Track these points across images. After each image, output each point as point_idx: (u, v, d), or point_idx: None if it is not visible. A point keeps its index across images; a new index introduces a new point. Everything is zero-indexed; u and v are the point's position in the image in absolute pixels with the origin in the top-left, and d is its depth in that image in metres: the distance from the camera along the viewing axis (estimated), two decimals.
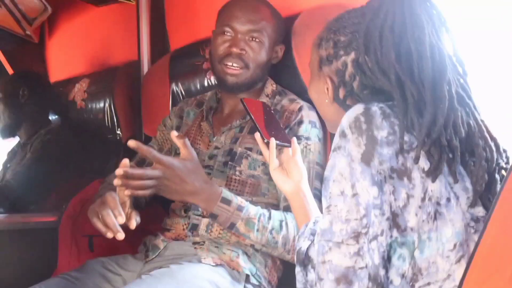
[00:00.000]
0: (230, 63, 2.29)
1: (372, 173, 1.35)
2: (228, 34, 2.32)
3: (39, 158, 3.36)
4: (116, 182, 1.85)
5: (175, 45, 3.28)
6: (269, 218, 2.02)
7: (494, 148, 1.46)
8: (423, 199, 1.36)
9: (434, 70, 1.42)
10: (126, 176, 1.83)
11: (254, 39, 2.30)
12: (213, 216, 1.99)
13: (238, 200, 2.00)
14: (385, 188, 1.36)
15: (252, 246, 2.06)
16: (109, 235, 1.89)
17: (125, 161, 1.86)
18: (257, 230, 1.99)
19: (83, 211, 2.76)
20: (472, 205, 1.40)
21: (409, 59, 1.44)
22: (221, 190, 1.99)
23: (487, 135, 1.46)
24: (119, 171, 1.83)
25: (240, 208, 1.99)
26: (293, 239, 2.01)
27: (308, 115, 2.25)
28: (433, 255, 1.36)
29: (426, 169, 1.37)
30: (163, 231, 2.31)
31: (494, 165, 1.45)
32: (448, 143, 1.39)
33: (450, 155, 1.40)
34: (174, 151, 2.48)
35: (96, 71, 3.72)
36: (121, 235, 1.89)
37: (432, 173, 1.36)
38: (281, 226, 2.02)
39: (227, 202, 1.98)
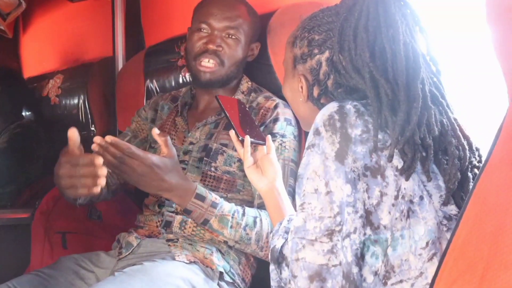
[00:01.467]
0: (206, 60, 2.29)
1: (346, 171, 1.36)
2: (205, 31, 2.32)
3: (4, 151, 3.33)
4: (95, 147, 1.84)
5: (150, 42, 3.28)
6: (243, 214, 2.02)
7: (466, 147, 1.47)
8: (396, 197, 1.37)
9: (408, 69, 1.43)
10: (106, 147, 1.83)
11: (230, 36, 2.31)
12: (187, 212, 1.98)
13: (212, 196, 2.00)
14: (358, 186, 1.36)
15: (225, 243, 2.07)
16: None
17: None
18: (231, 227, 1.99)
19: (56, 208, 2.74)
20: (445, 203, 1.41)
21: (383, 58, 1.44)
22: (195, 186, 1.99)
23: (460, 134, 1.47)
24: (107, 138, 1.83)
25: (214, 205, 1.99)
26: (267, 236, 2.02)
27: (283, 112, 2.25)
28: (406, 252, 1.37)
29: (399, 167, 1.37)
30: (137, 228, 2.30)
31: (466, 163, 1.46)
32: (422, 142, 1.40)
33: (424, 154, 1.40)
34: (149, 144, 2.47)
35: (70, 67, 3.71)
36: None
37: (406, 171, 1.37)
38: (255, 222, 2.02)
39: (201, 198, 1.98)
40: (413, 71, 1.43)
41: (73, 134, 1.81)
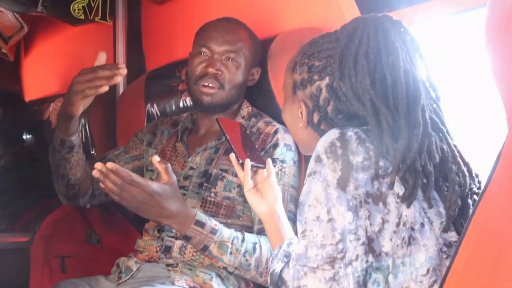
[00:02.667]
0: (206, 83, 2.29)
1: (348, 198, 1.36)
2: (205, 54, 2.33)
3: (5, 174, 3.32)
4: (95, 172, 1.85)
5: (151, 66, 3.28)
6: (243, 240, 2.02)
7: (467, 173, 1.47)
8: (397, 224, 1.37)
9: (408, 96, 1.43)
10: (107, 174, 1.84)
11: (230, 59, 2.31)
12: (187, 238, 1.98)
13: (212, 223, 2.00)
14: (360, 213, 1.36)
15: (225, 268, 2.06)
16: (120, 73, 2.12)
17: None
18: (230, 253, 1.99)
19: (55, 232, 2.74)
20: (445, 230, 1.41)
21: (384, 85, 1.45)
22: (195, 213, 1.99)
23: (460, 160, 1.47)
24: (108, 165, 1.84)
25: (213, 231, 1.98)
26: (266, 262, 2.01)
27: (283, 138, 2.25)
28: (407, 280, 1.36)
29: (401, 194, 1.37)
30: (136, 253, 2.30)
31: (467, 190, 1.46)
32: (423, 169, 1.39)
33: (425, 181, 1.40)
34: (146, 167, 2.47)
35: None
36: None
37: (407, 199, 1.37)
38: (254, 249, 2.01)
39: (201, 224, 1.97)
40: (414, 98, 1.43)
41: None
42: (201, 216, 2.00)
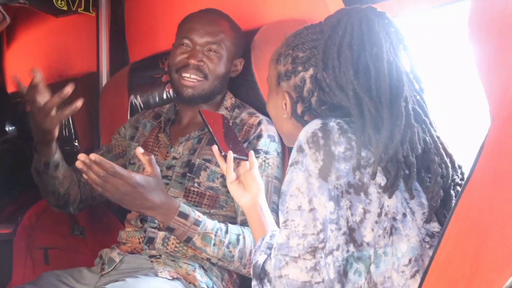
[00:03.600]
0: (188, 75, 2.30)
1: (329, 188, 1.36)
2: (187, 45, 2.33)
3: None
4: (79, 163, 1.85)
5: (135, 57, 3.27)
6: (226, 232, 2.02)
7: (449, 165, 1.48)
8: (379, 214, 1.37)
9: (391, 87, 1.44)
10: (90, 165, 1.84)
11: (212, 51, 2.31)
12: (170, 229, 1.98)
13: (195, 214, 2.00)
14: (342, 203, 1.36)
15: (208, 260, 2.06)
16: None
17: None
18: (214, 245, 1.99)
19: (38, 223, 2.73)
20: (428, 220, 1.41)
21: (367, 76, 1.45)
22: (178, 204, 1.99)
23: (442, 152, 1.48)
24: (92, 156, 1.84)
25: (197, 223, 1.98)
26: (250, 253, 2.02)
27: (267, 129, 2.26)
28: (389, 270, 1.37)
29: (382, 184, 1.38)
30: (119, 244, 2.29)
31: (449, 181, 1.47)
32: (405, 159, 1.40)
33: (407, 171, 1.41)
34: (128, 160, 2.47)
35: (54, 82, 3.68)
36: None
37: (389, 189, 1.37)
38: (238, 240, 2.02)
39: (184, 216, 1.97)
40: (397, 89, 1.44)
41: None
42: (185, 207, 2.00)
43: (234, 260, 2.02)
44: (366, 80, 1.45)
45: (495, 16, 1.06)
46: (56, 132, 2.18)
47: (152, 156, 1.96)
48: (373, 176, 1.38)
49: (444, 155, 1.48)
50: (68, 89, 2.07)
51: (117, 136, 2.60)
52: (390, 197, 1.38)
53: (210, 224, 2.01)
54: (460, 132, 1.92)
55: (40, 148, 2.22)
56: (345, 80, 1.46)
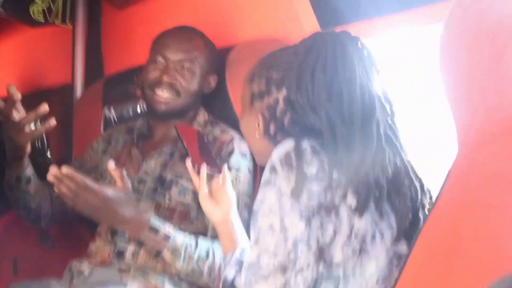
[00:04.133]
0: (160, 92, 2.30)
1: (301, 209, 1.37)
2: (160, 63, 2.33)
3: None
4: (50, 177, 1.85)
5: (110, 71, 3.27)
6: (196, 247, 2.02)
7: (418, 188, 1.50)
8: (349, 236, 1.39)
9: (363, 111, 1.46)
10: (62, 179, 1.85)
11: (185, 68, 2.32)
12: (140, 243, 1.99)
13: (165, 229, 2.00)
14: (312, 223, 1.37)
15: (177, 274, 2.07)
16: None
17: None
18: (183, 259, 1.99)
19: (7, 233, 2.72)
20: (396, 242, 1.43)
21: (340, 99, 1.47)
22: (149, 218, 1.99)
23: (412, 175, 1.50)
24: (63, 170, 1.85)
25: (166, 237, 1.99)
26: (219, 268, 2.02)
27: (239, 146, 2.27)
28: None
29: (353, 206, 1.39)
30: (89, 256, 2.29)
31: (418, 204, 1.49)
32: (375, 182, 1.42)
33: (377, 194, 1.43)
34: (100, 173, 2.47)
35: (28, 92, 3.67)
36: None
37: (359, 211, 1.39)
38: (207, 255, 2.02)
39: (155, 230, 1.98)
40: (369, 113, 1.46)
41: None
42: (155, 222, 2.00)
43: (203, 275, 2.02)
44: (339, 103, 1.47)
45: (465, 44, 1.08)
46: (28, 148, 2.20)
47: (124, 171, 1.97)
48: (344, 197, 1.39)
49: (414, 178, 1.50)
50: (44, 108, 2.08)
51: (90, 150, 2.60)
52: (360, 217, 1.40)
53: (179, 239, 2.02)
54: (430, 156, 1.94)
55: (12, 163, 2.23)
56: (318, 103, 1.48)
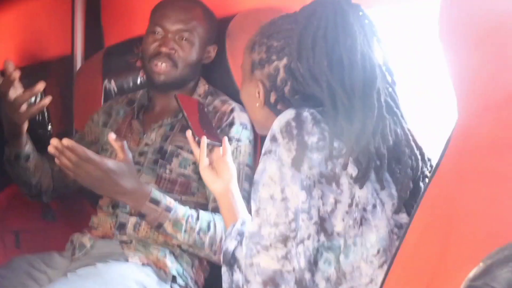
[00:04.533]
0: (159, 62, 2.29)
1: (302, 178, 1.37)
2: (159, 33, 2.32)
3: None
4: (51, 148, 1.85)
5: (110, 42, 3.25)
6: (197, 219, 2.02)
7: (419, 157, 1.49)
8: (350, 205, 1.39)
9: (364, 79, 1.45)
10: (63, 150, 1.84)
11: (184, 38, 2.30)
12: (141, 215, 1.99)
13: (167, 200, 2.01)
14: (313, 192, 1.37)
15: (179, 246, 2.07)
16: None
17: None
18: (185, 231, 2.00)
19: (9, 207, 2.72)
20: (397, 211, 1.43)
21: (341, 68, 1.46)
22: (150, 190, 1.99)
23: (413, 144, 1.49)
24: (64, 141, 1.84)
25: (168, 209, 1.99)
26: (220, 240, 2.02)
27: (239, 116, 2.26)
28: (357, 259, 1.39)
29: (354, 175, 1.39)
30: (90, 229, 2.29)
31: (419, 173, 1.48)
32: (376, 151, 1.41)
33: (378, 162, 1.42)
34: (101, 146, 2.46)
35: (27, 64, 3.66)
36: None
37: (360, 180, 1.39)
38: (208, 227, 2.02)
39: (156, 202, 1.98)
40: (370, 81, 1.45)
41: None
42: (156, 194, 2.00)
43: (205, 247, 2.02)
44: (339, 71, 1.46)
45: (464, 13, 1.07)
46: (25, 126, 2.20)
47: (124, 142, 1.96)
48: (345, 166, 1.39)
49: (414, 147, 1.50)
50: (40, 87, 2.09)
51: (90, 123, 2.59)
52: (361, 187, 1.39)
53: (181, 211, 2.02)
54: (430, 125, 1.93)
55: (10, 140, 2.23)
56: (319, 71, 1.47)
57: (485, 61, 1.04)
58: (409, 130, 1.52)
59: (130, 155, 1.97)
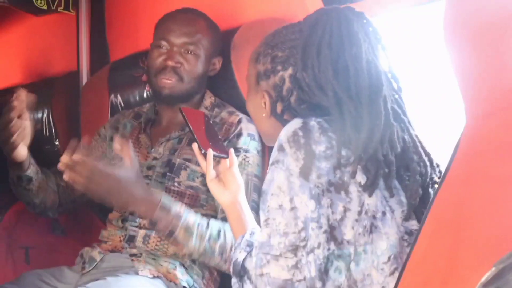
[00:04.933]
0: (165, 77, 2.29)
1: (310, 187, 1.37)
2: (164, 47, 2.32)
3: None
4: (61, 166, 1.86)
5: (115, 56, 3.26)
6: (207, 227, 2.02)
7: (428, 163, 1.49)
8: (359, 213, 1.38)
9: (370, 87, 1.45)
10: (73, 166, 1.85)
11: (189, 51, 2.31)
12: (152, 224, 1.98)
13: (177, 207, 2.00)
14: (322, 201, 1.37)
15: (189, 255, 2.06)
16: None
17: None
18: (195, 238, 1.99)
19: (19, 223, 2.73)
20: (407, 218, 1.43)
21: (346, 76, 1.46)
22: (160, 197, 1.99)
23: (421, 150, 1.49)
24: (75, 157, 1.85)
25: (179, 215, 1.99)
26: (230, 248, 2.02)
27: (247, 127, 2.26)
28: (368, 267, 1.38)
29: (362, 183, 1.39)
30: (100, 243, 2.29)
31: (428, 179, 1.48)
32: (384, 158, 1.41)
33: (386, 170, 1.42)
34: (109, 161, 2.46)
35: (34, 81, 3.68)
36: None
37: (369, 188, 1.39)
38: (219, 235, 2.02)
39: (166, 210, 1.97)
40: (376, 89, 1.45)
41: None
42: (166, 200, 2.00)
43: (215, 255, 2.02)
44: (345, 79, 1.46)
45: (469, 18, 1.07)
46: (22, 151, 2.19)
47: (131, 146, 1.97)
48: (353, 175, 1.39)
49: (423, 154, 1.49)
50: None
51: (97, 137, 2.59)
52: (370, 195, 1.39)
53: (191, 217, 2.01)
54: (437, 131, 1.93)
55: (11, 163, 2.23)
56: (324, 80, 1.47)
57: (490, 64, 1.04)
58: (416, 136, 1.52)
59: (136, 161, 1.97)
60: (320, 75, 1.48)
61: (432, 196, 1.47)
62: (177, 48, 2.30)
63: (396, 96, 1.54)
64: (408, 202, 1.44)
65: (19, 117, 2.08)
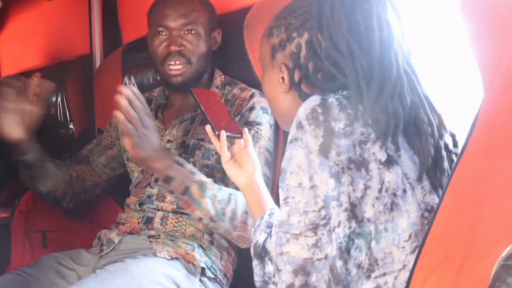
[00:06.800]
0: (172, 62, 2.29)
1: (330, 165, 1.36)
2: (163, 33, 2.31)
3: None
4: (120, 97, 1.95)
5: (128, 39, 3.26)
6: (219, 189, 2.03)
7: (437, 122, 1.48)
8: (380, 190, 1.37)
9: (381, 40, 1.44)
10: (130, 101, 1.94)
11: (189, 32, 2.30)
12: (168, 179, 1.99)
13: (189, 165, 2.04)
14: (343, 179, 1.36)
15: (200, 219, 2.04)
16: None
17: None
18: (208, 196, 1.99)
19: (35, 207, 2.73)
20: (419, 179, 1.42)
21: (358, 31, 1.45)
22: (172, 153, 2.03)
23: (429, 111, 1.48)
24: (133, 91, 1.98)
25: (192, 172, 2.01)
26: (241, 215, 2.02)
27: (259, 101, 2.26)
28: (389, 245, 1.37)
29: (383, 160, 1.38)
30: (118, 225, 2.30)
31: (439, 140, 1.47)
32: (394, 111, 1.40)
33: (395, 122, 1.41)
34: (123, 148, 2.47)
35: (48, 65, 3.68)
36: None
37: (381, 139, 1.37)
38: (229, 199, 2.02)
39: (180, 163, 2.00)
40: (387, 42, 1.45)
41: None
42: (179, 158, 2.04)
43: (225, 220, 2.01)
44: (357, 34, 1.45)
45: None
46: (16, 131, 2.22)
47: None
48: (373, 151, 1.38)
49: (430, 114, 1.48)
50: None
51: (108, 127, 2.61)
52: (383, 145, 1.38)
53: (204, 176, 2.04)
54: (454, 105, 1.91)
55: (12, 146, 2.25)
56: (340, 36, 1.45)
57: (509, 35, 1.03)
58: (426, 96, 1.50)
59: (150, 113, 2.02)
60: (335, 32, 1.47)
61: (446, 159, 1.47)
62: (176, 31, 2.29)
63: (406, 55, 1.53)
64: (420, 163, 1.43)
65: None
